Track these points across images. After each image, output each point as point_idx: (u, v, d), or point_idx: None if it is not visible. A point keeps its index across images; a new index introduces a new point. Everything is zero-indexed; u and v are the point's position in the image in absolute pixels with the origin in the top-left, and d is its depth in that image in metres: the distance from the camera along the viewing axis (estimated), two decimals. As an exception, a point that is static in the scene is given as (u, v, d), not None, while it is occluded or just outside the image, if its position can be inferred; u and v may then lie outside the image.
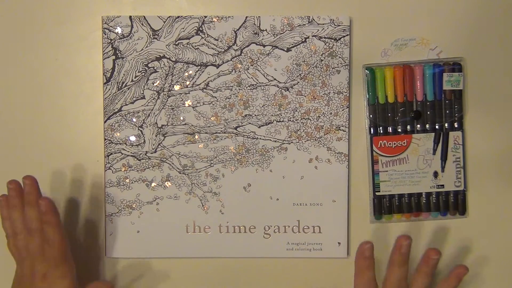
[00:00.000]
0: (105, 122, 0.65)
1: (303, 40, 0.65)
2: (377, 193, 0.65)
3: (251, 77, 0.65)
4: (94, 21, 0.65)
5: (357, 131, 0.66)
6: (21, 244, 0.60)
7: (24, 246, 0.60)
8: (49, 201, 0.58)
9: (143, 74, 0.65)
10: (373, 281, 0.61)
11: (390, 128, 0.65)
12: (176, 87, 0.65)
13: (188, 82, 0.65)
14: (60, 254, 0.59)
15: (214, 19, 0.65)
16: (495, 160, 0.66)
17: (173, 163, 0.65)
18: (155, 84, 0.65)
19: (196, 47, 0.65)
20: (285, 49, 0.65)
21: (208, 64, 0.65)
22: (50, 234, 0.58)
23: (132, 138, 0.65)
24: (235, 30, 0.65)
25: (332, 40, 0.65)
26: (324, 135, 0.65)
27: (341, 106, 0.65)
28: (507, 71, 0.66)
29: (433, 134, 0.65)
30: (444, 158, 0.65)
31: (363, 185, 0.66)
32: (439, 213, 0.66)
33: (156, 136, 0.65)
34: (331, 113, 0.65)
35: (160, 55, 0.65)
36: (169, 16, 0.65)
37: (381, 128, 0.65)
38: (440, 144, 0.65)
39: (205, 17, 0.65)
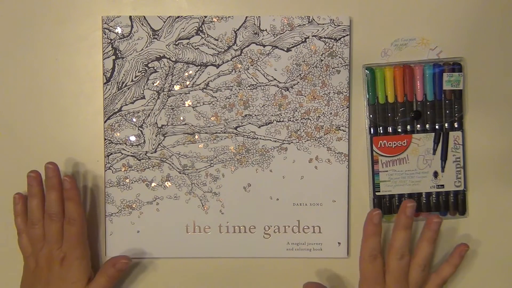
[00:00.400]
0: (105, 122, 0.65)
1: (303, 40, 0.65)
2: (377, 193, 0.65)
3: (251, 77, 0.65)
4: (94, 21, 0.65)
5: (357, 131, 0.66)
6: (38, 233, 0.62)
7: (41, 234, 0.62)
8: (73, 179, 0.61)
9: (143, 74, 0.65)
10: (378, 246, 0.62)
11: (390, 128, 0.65)
12: (176, 87, 0.65)
13: (188, 82, 0.65)
14: (80, 232, 0.62)
15: (214, 19, 0.65)
16: (495, 160, 0.66)
17: (173, 163, 0.65)
18: (155, 84, 0.65)
19: (196, 47, 0.65)
20: (285, 49, 0.65)
21: (208, 64, 0.65)
22: (73, 210, 0.61)
23: (132, 138, 0.65)
24: (235, 30, 0.65)
25: (332, 40, 0.65)
26: (324, 135, 0.65)
27: (341, 106, 0.65)
28: (507, 71, 0.66)
29: (433, 134, 0.65)
30: (444, 158, 0.65)
31: (363, 185, 0.66)
32: (439, 213, 0.66)
33: (156, 136, 0.65)
34: (331, 113, 0.65)
35: (160, 55, 0.65)
36: (169, 16, 0.65)
37: (381, 128, 0.65)
38: (440, 144, 0.65)
39: (205, 17, 0.65)
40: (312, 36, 0.65)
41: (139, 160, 0.65)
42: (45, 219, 0.62)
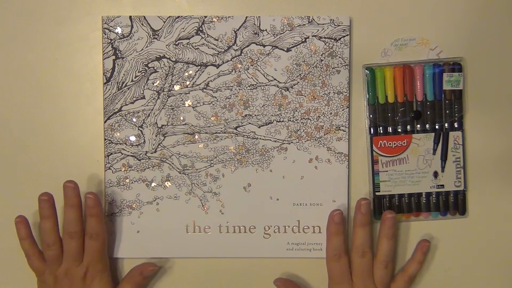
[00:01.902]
0: (105, 122, 0.65)
1: (303, 40, 0.65)
2: (377, 193, 0.65)
3: (251, 77, 0.65)
4: (94, 21, 0.65)
5: (357, 131, 0.66)
6: (55, 254, 0.61)
7: (58, 255, 0.61)
8: (96, 195, 0.61)
9: (143, 74, 0.65)
10: (342, 245, 0.62)
11: (390, 128, 0.65)
12: (176, 87, 0.65)
13: (188, 82, 0.65)
14: (103, 247, 0.62)
15: (214, 19, 0.65)
16: (495, 160, 0.66)
17: (173, 163, 0.65)
18: (155, 84, 0.65)
19: (196, 47, 0.65)
20: (285, 49, 0.65)
21: (208, 64, 0.65)
22: (96, 227, 0.61)
23: (132, 138, 0.65)
24: (235, 30, 0.65)
25: (332, 40, 0.65)
26: (324, 135, 0.65)
27: (341, 106, 0.65)
28: (507, 71, 0.66)
29: (433, 134, 0.65)
30: (444, 158, 0.65)
31: (363, 185, 0.66)
32: (439, 213, 0.66)
33: (156, 136, 0.65)
34: (331, 113, 0.65)
35: (160, 55, 0.65)
36: (169, 16, 0.65)
37: (381, 128, 0.65)
38: (440, 144, 0.65)
39: (205, 17, 0.65)
40: (312, 36, 0.65)
41: (139, 160, 0.65)
42: (63, 237, 0.61)
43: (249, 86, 0.65)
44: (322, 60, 0.65)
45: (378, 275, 0.63)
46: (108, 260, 0.63)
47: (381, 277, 0.63)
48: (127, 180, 0.65)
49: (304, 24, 0.65)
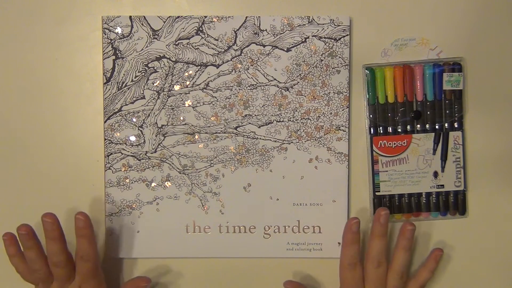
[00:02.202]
0: (105, 122, 0.65)
1: (303, 40, 0.65)
2: (377, 193, 0.65)
3: (251, 77, 0.65)
4: (94, 21, 0.65)
5: (357, 131, 0.66)
6: (43, 277, 0.60)
7: (47, 276, 0.60)
8: (86, 216, 0.59)
9: (143, 74, 0.65)
10: (357, 254, 0.62)
11: (390, 128, 0.65)
12: (176, 87, 0.65)
13: (188, 82, 0.65)
14: (95, 267, 0.60)
15: (214, 19, 0.65)
16: (495, 160, 0.66)
17: (173, 163, 0.65)
18: (155, 84, 0.65)
19: (196, 47, 0.65)
20: (285, 49, 0.65)
21: (208, 64, 0.65)
22: (86, 248, 0.59)
23: (132, 138, 0.65)
24: (235, 30, 0.65)
25: (332, 40, 0.65)
26: (324, 135, 0.65)
27: (341, 106, 0.65)
28: (507, 71, 0.66)
29: (433, 134, 0.65)
30: (444, 158, 0.65)
31: (363, 185, 0.66)
32: (439, 213, 0.66)
33: (156, 136, 0.65)
34: (331, 113, 0.65)
35: (160, 55, 0.65)
36: (169, 16, 0.65)
37: (381, 128, 0.65)
38: (440, 144, 0.65)
39: (205, 17, 0.65)
40: (312, 36, 0.65)
41: (139, 160, 0.65)
42: (50, 265, 0.60)
43: (249, 86, 0.65)
44: (322, 60, 0.65)
45: (392, 285, 0.62)
46: (103, 277, 0.62)
47: (395, 287, 0.62)
48: (127, 180, 0.65)
49: (304, 24, 0.65)
